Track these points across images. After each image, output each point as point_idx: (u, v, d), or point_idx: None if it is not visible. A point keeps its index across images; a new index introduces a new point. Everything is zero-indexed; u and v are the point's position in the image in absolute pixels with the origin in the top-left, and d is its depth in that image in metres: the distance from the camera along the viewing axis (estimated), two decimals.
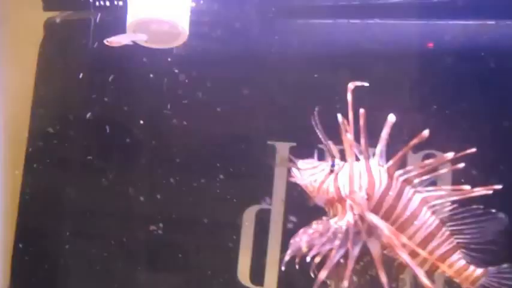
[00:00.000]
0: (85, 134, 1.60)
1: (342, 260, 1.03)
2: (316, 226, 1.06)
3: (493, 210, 1.06)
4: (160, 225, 1.52)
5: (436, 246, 1.06)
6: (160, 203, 1.53)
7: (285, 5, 1.35)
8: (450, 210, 1.06)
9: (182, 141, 1.50)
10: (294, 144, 1.42)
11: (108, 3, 1.41)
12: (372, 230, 1.03)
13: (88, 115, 1.58)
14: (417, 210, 1.05)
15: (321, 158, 1.08)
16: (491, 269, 1.06)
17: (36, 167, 1.63)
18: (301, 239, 1.04)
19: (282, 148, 1.43)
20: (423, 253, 1.02)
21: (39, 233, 1.62)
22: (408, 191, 1.05)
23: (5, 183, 1.66)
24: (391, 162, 1.05)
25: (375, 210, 1.04)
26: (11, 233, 1.63)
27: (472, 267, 1.07)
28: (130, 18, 1.24)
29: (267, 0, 1.33)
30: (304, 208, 1.39)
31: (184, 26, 1.25)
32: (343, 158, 1.06)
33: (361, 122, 1.01)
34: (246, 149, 1.44)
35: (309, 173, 1.07)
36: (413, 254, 1.02)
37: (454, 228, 1.07)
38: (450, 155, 1.01)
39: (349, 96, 1.02)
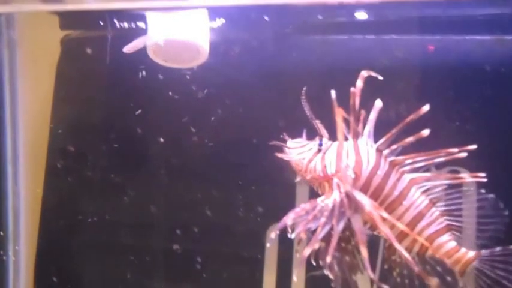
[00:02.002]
0: (103, 149, 1.60)
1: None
2: (303, 205, 1.06)
3: (483, 191, 1.06)
4: (183, 243, 1.52)
5: (425, 226, 1.05)
6: (181, 220, 1.53)
7: (301, 21, 1.33)
8: (440, 192, 1.05)
9: (204, 158, 1.50)
10: None
11: (125, 25, 1.39)
12: (357, 208, 1.03)
13: (106, 131, 1.58)
14: (406, 190, 1.05)
15: (311, 137, 1.08)
16: (483, 252, 1.06)
17: (56, 183, 1.63)
18: (288, 217, 1.04)
19: None
20: (402, 227, 1.01)
21: (60, 246, 1.63)
22: (397, 171, 1.05)
23: (26, 199, 1.67)
24: (380, 142, 1.04)
25: (363, 189, 1.05)
26: (33, 247, 1.65)
27: (463, 250, 1.06)
28: (150, 39, 1.24)
29: (284, 17, 1.30)
30: None
31: (204, 45, 1.24)
32: (332, 137, 1.07)
33: (351, 101, 1.02)
34: (268, 166, 1.43)
35: (297, 152, 1.08)
36: (401, 236, 1.03)
37: (445, 209, 1.06)
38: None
39: (359, 83, 1.02)
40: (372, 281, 1.34)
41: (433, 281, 1.04)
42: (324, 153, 1.07)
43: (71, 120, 1.62)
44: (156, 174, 1.56)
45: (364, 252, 1.01)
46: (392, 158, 1.05)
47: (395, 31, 1.33)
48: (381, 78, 1.02)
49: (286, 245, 1.42)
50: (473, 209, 1.06)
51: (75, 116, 1.62)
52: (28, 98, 1.64)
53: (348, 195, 1.04)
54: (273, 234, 1.05)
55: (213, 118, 1.45)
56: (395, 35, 1.33)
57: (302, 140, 1.09)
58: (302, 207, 1.06)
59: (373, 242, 1.16)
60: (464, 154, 1.02)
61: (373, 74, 1.03)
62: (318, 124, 1.08)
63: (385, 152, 1.05)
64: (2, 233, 1.66)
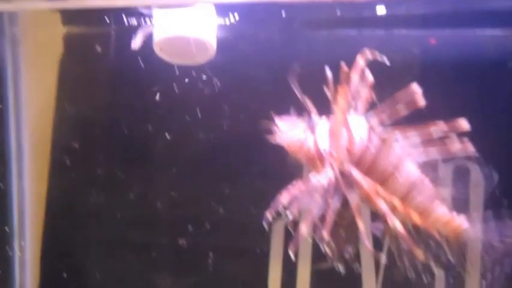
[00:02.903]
0: (107, 145, 1.60)
1: None
2: (297, 184, 1.07)
3: (478, 165, 1.10)
4: (189, 238, 1.53)
5: (420, 199, 1.06)
6: (187, 216, 1.54)
7: (310, 16, 1.33)
8: (433, 164, 1.07)
9: (210, 153, 1.50)
10: None
11: (129, 22, 1.39)
12: (351, 184, 1.04)
13: (110, 127, 1.58)
14: (399, 163, 1.05)
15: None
16: (478, 222, 1.09)
17: (60, 180, 1.64)
18: (282, 196, 1.06)
19: None
20: (398, 204, 1.02)
21: (65, 242, 1.65)
22: (389, 143, 1.05)
23: (31, 196, 1.67)
24: (372, 117, 1.05)
25: (356, 165, 1.05)
26: (38, 242, 1.66)
27: (458, 219, 1.08)
28: (157, 36, 1.23)
29: (292, 12, 1.30)
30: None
31: (211, 42, 1.24)
32: (320, 114, 1.07)
33: (341, 77, 1.03)
34: (273, 162, 1.44)
35: (289, 133, 1.08)
36: (396, 209, 1.03)
37: (438, 181, 1.08)
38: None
39: (360, 60, 1.02)
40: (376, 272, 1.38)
41: (420, 253, 1.06)
42: (316, 131, 1.07)
43: (75, 117, 1.62)
44: (161, 170, 1.57)
45: (362, 226, 1.03)
46: (384, 132, 1.06)
47: (404, 25, 1.33)
48: (385, 60, 1.03)
49: (291, 239, 1.44)
50: (464, 180, 1.10)
51: (78, 112, 1.62)
52: (31, 95, 1.64)
53: (342, 172, 1.04)
54: (268, 214, 1.06)
55: (219, 113, 1.46)
56: (405, 29, 1.34)
57: (291, 119, 1.09)
58: (296, 186, 1.07)
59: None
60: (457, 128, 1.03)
61: (376, 54, 1.03)
62: (307, 101, 1.08)
63: (377, 126, 1.05)
64: (7, 229, 1.66)
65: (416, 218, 1.05)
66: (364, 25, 1.35)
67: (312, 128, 1.07)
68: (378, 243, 1.37)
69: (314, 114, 1.08)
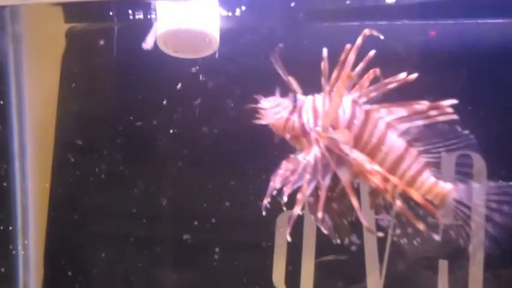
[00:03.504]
0: (111, 142, 1.60)
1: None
2: (285, 165, 1.08)
3: (459, 128, 1.10)
4: (193, 233, 1.53)
5: (407, 168, 1.09)
6: (191, 211, 1.54)
7: (313, 8, 1.33)
8: (416, 132, 1.09)
9: (212, 149, 1.50)
10: None
11: (133, 16, 1.39)
12: (340, 160, 1.05)
13: (113, 123, 1.58)
14: (383, 135, 1.08)
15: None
16: (461, 185, 1.10)
17: (63, 177, 1.64)
18: (274, 181, 1.07)
19: None
20: (394, 179, 1.04)
21: (68, 240, 1.64)
22: (372, 117, 1.07)
23: (34, 194, 1.67)
24: (355, 93, 1.07)
25: None
26: (41, 240, 1.66)
27: (442, 183, 1.10)
28: (160, 29, 1.24)
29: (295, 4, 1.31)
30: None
31: (214, 35, 1.25)
32: (305, 92, 1.09)
33: (342, 56, 1.04)
34: (279, 154, 1.44)
35: (273, 112, 1.09)
36: (385, 180, 1.05)
37: (421, 148, 1.10)
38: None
39: (359, 40, 1.04)
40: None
41: (421, 224, 1.07)
42: (301, 110, 1.08)
43: (78, 114, 1.62)
44: (164, 166, 1.57)
45: (355, 203, 1.04)
46: (368, 106, 1.07)
47: (406, 16, 1.34)
48: (382, 37, 1.04)
49: (295, 232, 1.44)
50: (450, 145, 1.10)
51: (81, 109, 1.62)
52: (34, 92, 1.64)
53: (329, 149, 1.05)
54: (265, 201, 1.08)
55: (224, 107, 1.46)
56: (407, 20, 1.34)
57: (276, 99, 1.10)
58: (285, 167, 1.08)
59: None
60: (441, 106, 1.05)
61: (375, 33, 1.04)
62: (290, 80, 1.09)
63: (360, 101, 1.07)
64: (11, 228, 1.66)
65: (403, 187, 1.07)
66: (368, 16, 1.35)
67: (296, 106, 1.08)
68: (381, 238, 1.38)
69: (298, 93, 1.09)
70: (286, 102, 1.09)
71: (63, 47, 1.59)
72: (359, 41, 1.04)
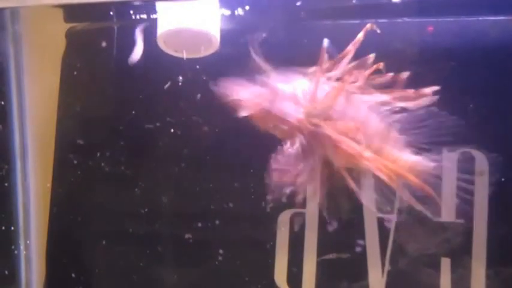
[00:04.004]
0: (112, 141, 1.60)
1: None
2: (274, 162, 1.09)
3: (437, 110, 1.12)
4: (195, 231, 1.53)
5: (390, 149, 1.10)
6: (193, 209, 1.54)
7: (314, 6, 1.34)
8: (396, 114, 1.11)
9: (214, 149, 1.50)
10: None
11: (133, 16, 1.39)
12: (324, 142, 1.06)
13: (114, 123, 1.58)
14: (365, 118, 1.08)
15: None
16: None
17: (65, 177, 1.63)
18: (272, 179, 1.08)
19: None
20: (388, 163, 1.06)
21: (70, 239, 1.65)
22: (354, 102, 1.07)
23: (36, 194, 1.68)
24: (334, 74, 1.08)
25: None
26: (43, 240, 1.66)
27: (424, 161, 1.12)
28: (161, 29, 1.24)
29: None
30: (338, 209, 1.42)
31: (215, 34, 1.25)
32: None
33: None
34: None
35: (253, 103, 1.09)
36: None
37: (402, 128, 1.11)
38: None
39: (361, 35, 1.06)
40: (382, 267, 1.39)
41: (415, 202, 1.10)
42: (281, 98, 1.08)
43: (78, 113, 1.62)
44: (166, 164, 1.57)
45: (352, 184, 1.06)
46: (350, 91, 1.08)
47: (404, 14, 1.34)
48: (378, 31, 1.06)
49: (297, 230, 1.45)
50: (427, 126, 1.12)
51: (82, 108, 1.62)
52: (35, 92, 1.64)
53: (313, 133, 1.05)
54: (269, 198, 1.07)
55: (226, 106, 1.46)
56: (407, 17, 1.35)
57: (255, 89, 1.10)
58: (276, 162, 1.09)
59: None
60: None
61: (375, 27, 1.05)
62: (266, 66, 1.09)
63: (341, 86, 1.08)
64: (12, 228, 1.67)
65: (399, 170, 1.09)
66: (369, 14, 1.35)
67: (277, 95, 1.07)
68: (383, 233, 1.39)
69: (278, 82, 1.08)
70: (266, 91, 1.09)
71: (63, 47, 1.58)
72: (360, 35, 1.04)
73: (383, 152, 1.09)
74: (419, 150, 1.13)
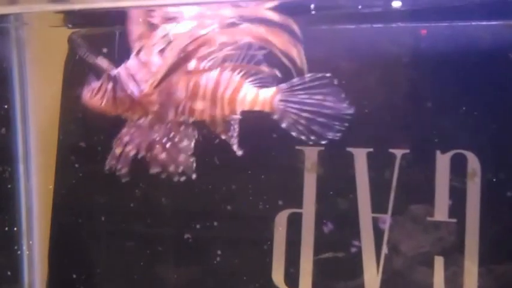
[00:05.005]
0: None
1: None
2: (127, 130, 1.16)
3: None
4: (194, 231, 1.56)
5: (223, 90, 1.14)
6: (192, 210, 1.56)
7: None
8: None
9: (215, 148, 1.52)
10: (322, 148, 1.44)
11: None
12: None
13: (116, 126, 1.59)
14: (196, 72, 1.12)
15: None
16: (282, 85, 1.14)
17: (67, 179, 1.66)
18: (120, 148, 1.15)
19: (311, 153, 1.45)
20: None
21: (72, 240, 1.67)
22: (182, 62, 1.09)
23: (38, 195, 1.71)
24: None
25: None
26: (46, 241, 1.69)
27: (263, 90, 1.14)
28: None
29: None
30: (335, 209, 1.44)
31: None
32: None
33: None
34: (276, 154, 1.46)
35: (98, 98, 1.13)
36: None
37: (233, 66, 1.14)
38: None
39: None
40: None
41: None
42: (121, 82, 1.12)
43: (80, 117, 1.64)
44: None
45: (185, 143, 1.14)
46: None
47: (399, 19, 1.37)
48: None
49: (294, 230, 1.47)
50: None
51: (84, 112, 1.64)
52: (38, 96, 1.67)
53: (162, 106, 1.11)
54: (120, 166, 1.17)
55: None
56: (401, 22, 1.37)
57: (93, 84, 1.14)
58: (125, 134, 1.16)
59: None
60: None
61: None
62: (100, 60, 1.14)
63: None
64: (15, 229, 1.69)
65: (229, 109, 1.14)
66: (363, 19, 1.38)
67: (116, 82, 1.12)
68: (378, 235, 1.41)
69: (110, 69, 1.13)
70: (105, 83, 1.12)
71: (66, 51, 1.61)
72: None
73: (217, 96, 1.14)
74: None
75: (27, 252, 1.70)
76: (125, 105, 1.13)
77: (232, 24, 1.09)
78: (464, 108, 1.34)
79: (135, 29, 1.13)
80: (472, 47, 1.35)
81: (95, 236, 1.65)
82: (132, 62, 1.14)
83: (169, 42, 1.10)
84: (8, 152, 1.68)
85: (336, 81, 1.14)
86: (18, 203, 1.70)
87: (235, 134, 1.19)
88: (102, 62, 1.14)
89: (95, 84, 1.14)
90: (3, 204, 1.69)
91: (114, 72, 1.14)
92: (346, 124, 1.16)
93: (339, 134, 1.16)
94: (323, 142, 1.17)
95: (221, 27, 1.08)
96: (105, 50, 1.54)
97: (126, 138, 1.17)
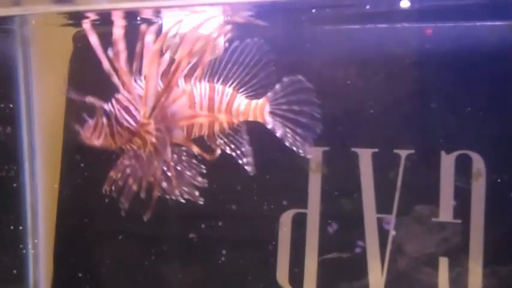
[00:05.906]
0: None
1: None
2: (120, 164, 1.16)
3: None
4: (199, 231, 1.56)
5: (219, 105, 1.14)
6: (197, 209, 1.55)
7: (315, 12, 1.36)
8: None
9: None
10: (327, 148, 1.44)
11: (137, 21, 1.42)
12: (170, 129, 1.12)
13: None
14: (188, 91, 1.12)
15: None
16: (269, 94, 1.15)
17: (72, 178, 1.67)
18: (113, 179, 1.16)
19: (316, 153, 1.45)
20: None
21: (77, 239, 1.68)
22: (173, 79, 1.09)
23: (44, 195, 1.71)
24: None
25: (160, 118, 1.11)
26: (51, 240, 1.70)
27: (254, 101, 1.16)
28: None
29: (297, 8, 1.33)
30: (339, 210, 1.45)
31: (219, 41, 1.27)
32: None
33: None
34: (281, 154, 1.46)
35: (96, 136, 1.14)
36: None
37: (224, 80, 1.15)
38: None
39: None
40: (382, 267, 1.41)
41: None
42: (115, 117, 1.13)
43: (86, 116, 1.64)
44: None
45: (196, 149, 1.15)
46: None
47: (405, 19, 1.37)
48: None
49: (298, 231, 1.48)
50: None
51: (89, 111, 1.64)
52: (42, 95, 1.67)
53: (160, 129, 1.11)
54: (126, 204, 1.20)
55: None
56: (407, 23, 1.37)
57: (90, 122, 1.15)
58: (119, 167, 1.16)
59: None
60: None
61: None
62: (90, 100, 1.15)
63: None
64: (21, 228, 1.70)
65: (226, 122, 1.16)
66: (367, 19, 1.38)
67: (110, 117, 1.13)
68: (383, 235, 1.41)
69: (103, 105, 1.14)
70: (100, 119, 1.13)
71: (70, 51, 1.61)
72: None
73: (214, 109, 1.14)
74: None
75: (33, 251, 1.71)
76: (123, 138, 1.14)
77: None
78: (469, 108, 1.34)
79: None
80: (478, 48, 1.34)
81: (100, 235, 1.65)
82: (122, 96, 1.14)
83: (149, 68, 1.11)
84: (14, 151, 1.68)
85: (308, 84, 1.14)
86: (24, 201, 1.70)
87: (242, 148, 1.19)
88: (92, 101, 1.13)
89: (91, 122, 1.15)
90: (9, 203, 1.69)
91: (107, 107, 1.14)
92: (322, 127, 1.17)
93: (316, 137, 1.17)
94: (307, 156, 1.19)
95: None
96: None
97: (127, 170, 1.18)
